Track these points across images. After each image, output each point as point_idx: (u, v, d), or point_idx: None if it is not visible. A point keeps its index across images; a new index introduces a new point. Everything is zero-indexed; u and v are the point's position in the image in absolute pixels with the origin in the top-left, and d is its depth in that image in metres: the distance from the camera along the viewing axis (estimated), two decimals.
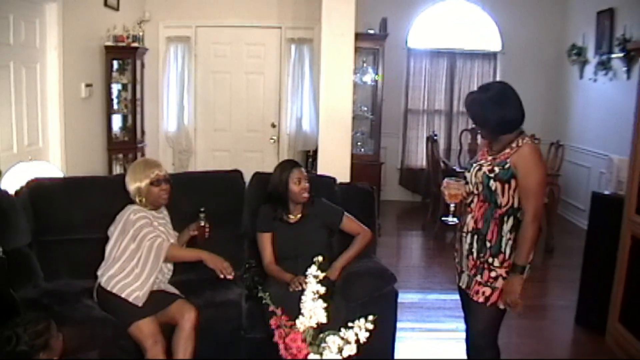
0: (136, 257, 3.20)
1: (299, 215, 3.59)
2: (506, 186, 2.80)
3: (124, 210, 3.28)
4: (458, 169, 6.46)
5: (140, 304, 3.13)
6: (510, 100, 2.82)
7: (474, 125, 3.05)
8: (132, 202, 3.32)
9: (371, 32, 7.33)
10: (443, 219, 3.09)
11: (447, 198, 3.04)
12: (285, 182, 3.55)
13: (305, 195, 3.54)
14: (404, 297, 3.97)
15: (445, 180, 3.09)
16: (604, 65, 7.15)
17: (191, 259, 3.35)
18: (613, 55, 6.94)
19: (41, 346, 2.30)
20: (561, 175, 6.84)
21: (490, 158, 2.91)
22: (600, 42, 7.25)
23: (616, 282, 4.10)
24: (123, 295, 3.13)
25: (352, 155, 4.99)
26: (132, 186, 3.31)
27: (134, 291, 3.15)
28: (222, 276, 3.23)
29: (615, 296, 4.12)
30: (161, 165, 3.40)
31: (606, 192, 4.58)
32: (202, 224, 3.49)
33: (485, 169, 2.87)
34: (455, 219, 3.14)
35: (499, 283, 2.86)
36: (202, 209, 3.49)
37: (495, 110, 2.80)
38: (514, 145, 2.83)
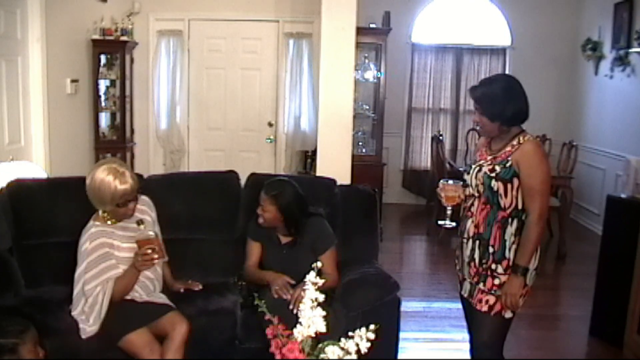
0: (82, 300, 3.11)
1: (289, 239, 3.53)
2: (508, 186, 2.80)
3: (85, 230, 3.16)
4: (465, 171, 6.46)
5: (84, 337, 3.07)
6: (520, 90, 2.87)
7: (476, 126, 3.01)
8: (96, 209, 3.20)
9: (373, 26, 7.32)
10: (439, 222, 3.07)
11: (444, 201, 3.04)
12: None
13: (260, 220, 3.45)
14: (407, 306, 3.96)
15: (441, 182, 3.09)
16: (622, 61, 7.14)
17: (133, 279, 3.14)
18: (631, 50, 6.93)
19: (7, 348, 2.27)
20: (574, 177, 6.82)
21: (490, 158, 2.92)
22: (617, 36, 7.25)
23: (634, 290, 4.08)
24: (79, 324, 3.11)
25: (353, 156, 4.98)
26: (95, 201, 3.13)
27: (82, 323, 3.10)
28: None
29: (632, 305, 4.10)
30: (128, 176, 3.11)
31: (622, 196, 4.56)
32: (143, 237, 3.07)
33: (485, 169, 2.87)
34: (452, 223, 3.13)
35: None
36: (138, 220, 3.17)
37: (511, 101, 2.82)
38: (514, 142, 2.84)
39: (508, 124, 2.86)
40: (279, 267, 3.48)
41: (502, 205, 2.83)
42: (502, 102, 2.82)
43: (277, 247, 3.53)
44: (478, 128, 2.99)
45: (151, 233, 3.11)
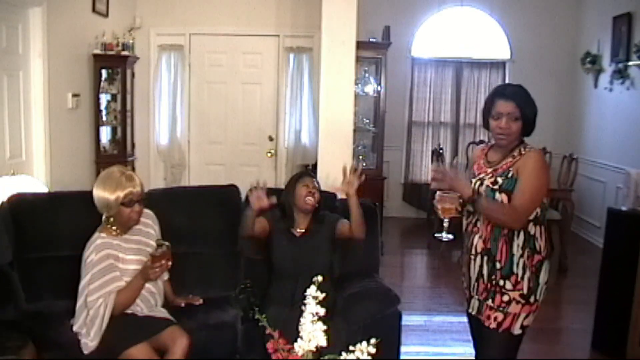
0: (84, 313, 3.08)
1: (305, 229, 3.61)
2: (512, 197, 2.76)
3: (90, 241, 3.13)
4: None
5: (86, 352, 3.04)
6: None
7: (498, 134, 2.88)
8: (101, 220, 3.19)
9: (373, 40, 7.36)
10: (436, 235, 2.99)
11: (441, 213, 2.96)
12: (293, 186, 3.62)
13: (310, 200, 3.56)
14: (408, 319, 3.95)
15: (438, 193, 3.00)
16: (621, 74, 7.16)
17: (138, 290, 3.14)
18: (630, 63, 6.96)
19: None
20: (575, 190, 6.81)
21: (490, 170, 2.86)
22: (616, 49, 7.28)
23: (635, 303, 4.07)
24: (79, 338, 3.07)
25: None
26: (99, 197, 3.12)
27: (83, 337, 3.06)
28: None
29: (634, 318, 4.09)
30: (136, 179, 3.22)
31: (623, 208, 4.56)
32: (158, 254, 3.09)
33: (487, 182, 2.82)
34: (450, 236, 3.08)
35: (512, 308, 2.78)
36: (158, 241, 3.20)
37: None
38: (515, 153, 2.80)
39: (531, 131, 2.83)
40: (291, 261, 3.53)
41: None
42: (535, 108, 2.81)
43: (291, 241, 3.58)
44: (502, 135, 2.84)
45: (166, 245, 3.11)
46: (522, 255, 2.77)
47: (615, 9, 7.25)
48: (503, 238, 2.79)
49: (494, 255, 2.81)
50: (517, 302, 2.78)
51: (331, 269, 3.65)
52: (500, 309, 2.80)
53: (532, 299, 2.79)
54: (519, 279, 2.77)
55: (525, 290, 2.78)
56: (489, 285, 2.84)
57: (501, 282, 2.79)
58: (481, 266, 2.87)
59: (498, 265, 2.80)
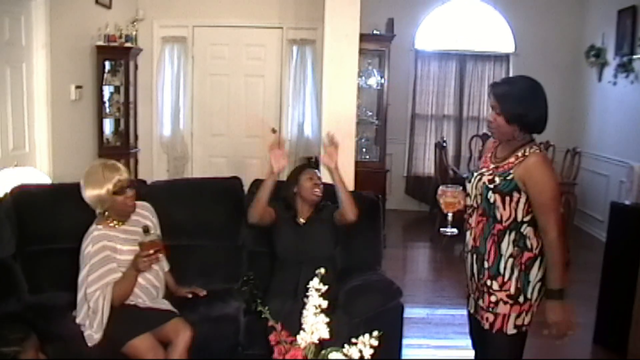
0: (85, 305, 3.08)
1: (308, 217, 3.62)
2: (507, 199, 2.65)
3: (87, 233, 3.14)
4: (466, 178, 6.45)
5: (90, 344, 3.04)
6: (544, 96, 2.68)
7: (486, 131, 2.86)
8: (97, 215, 3.20)
9: (377, 33, 7.34)
10: (441, 229, 2.96)
11: (444, 207, 2.95)
12: (296, 178, 3.63)
13: (317, 193, 3.59)
14: (410, 312, 3.96)
15: (441, 187, 2.98)
16: (625, 68, 7.14)
17: (132, 281, 3.13)
18: (635, 57, 6.94)
19: (10, 357, 2.28)
20: (578, 184, 6.81)
21: (492, 166, 2.76)
22: (621, 43, 7.25)
23: (637, 298, 4.06)
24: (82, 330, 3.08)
25: (356, 163, 4.97)
26: (90, 195, 3.14)
27: (87, 329, 3.07)
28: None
29: (636, 313, 4.08)
30: (120, 167, 3.23)
31: (626, 202, 4.57)
32: (147, 240, 3.07)
33: (485, 179, 2.72)
34: (454, 230, 3.05)
35: (501, 308, 2.71)
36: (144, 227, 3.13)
37: (535, 106, 2.65)
38: (519, 154, 2.67)
39: (526, 130, 2.68)
40: (295, 249, 3.55)
41: (499, 217, 2.68)
42: (526, 105, 2.63)
43: (295, 229, 3.59)
44: (491, 128, 2.76)
45: (155, 234, 3.12)
46: (511, 255, 2.68)
47: (620, 2, 7.22)
48: (492, 237, 2.71)
49: (482, 254, 2.74)
50: (505, 303, 2.70)
51: (333, 260, 3.66)
52: (490, 309, 2.74)
53: (521, 299, 2.70)
54: (505, 280, 2.69)
55: (512, 291, 2.69)
56: (478, 284, 2.79)
57: (489, 282, 2.73)
58: (472, 264, 2.82)
59: (486, 265, 2.73)
